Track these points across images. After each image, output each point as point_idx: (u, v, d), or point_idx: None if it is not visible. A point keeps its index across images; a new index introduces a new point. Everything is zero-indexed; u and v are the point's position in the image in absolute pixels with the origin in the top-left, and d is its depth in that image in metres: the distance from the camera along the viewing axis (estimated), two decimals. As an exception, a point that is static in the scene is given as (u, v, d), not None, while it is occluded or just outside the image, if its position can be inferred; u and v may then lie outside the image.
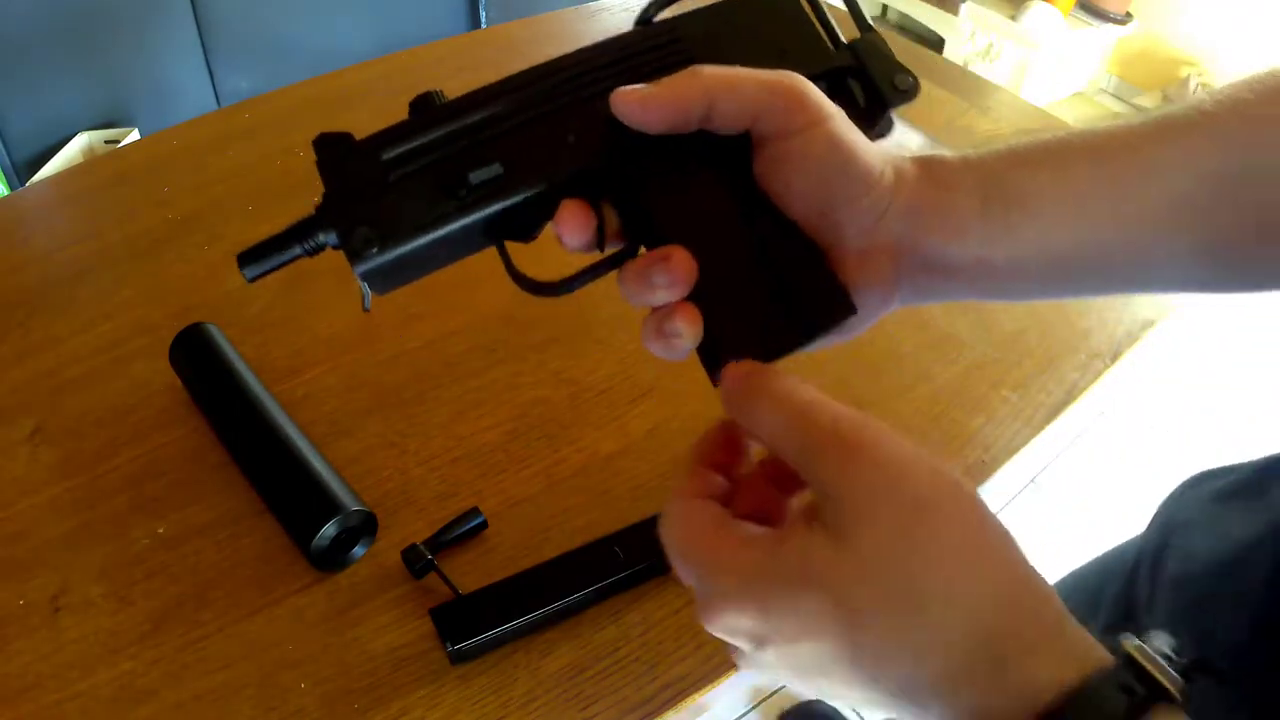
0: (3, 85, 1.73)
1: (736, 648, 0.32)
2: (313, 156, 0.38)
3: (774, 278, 0.36)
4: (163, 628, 0.56)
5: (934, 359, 0.74)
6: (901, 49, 1.20)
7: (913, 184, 0.37)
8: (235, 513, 0.62)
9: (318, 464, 0.61)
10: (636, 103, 0.34)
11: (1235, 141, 0.36)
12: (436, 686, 0.54)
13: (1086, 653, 0.28)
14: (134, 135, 1.88)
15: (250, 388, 0.66)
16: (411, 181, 0.37)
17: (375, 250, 0.36)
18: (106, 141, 1.86)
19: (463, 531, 0.59)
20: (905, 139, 0.98)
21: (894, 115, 0.39)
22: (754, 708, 1.46)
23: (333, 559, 0.59)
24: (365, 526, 0.60)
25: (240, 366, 0.67)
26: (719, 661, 0.55)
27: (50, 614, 0.57)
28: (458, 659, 0.54)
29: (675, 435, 0.68)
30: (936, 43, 3.00)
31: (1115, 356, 0.75)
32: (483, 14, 2.25)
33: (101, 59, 1.84)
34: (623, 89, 0.34)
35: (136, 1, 1.80)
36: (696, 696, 0.54)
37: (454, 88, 0.41)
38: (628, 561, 0.57)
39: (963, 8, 2.88)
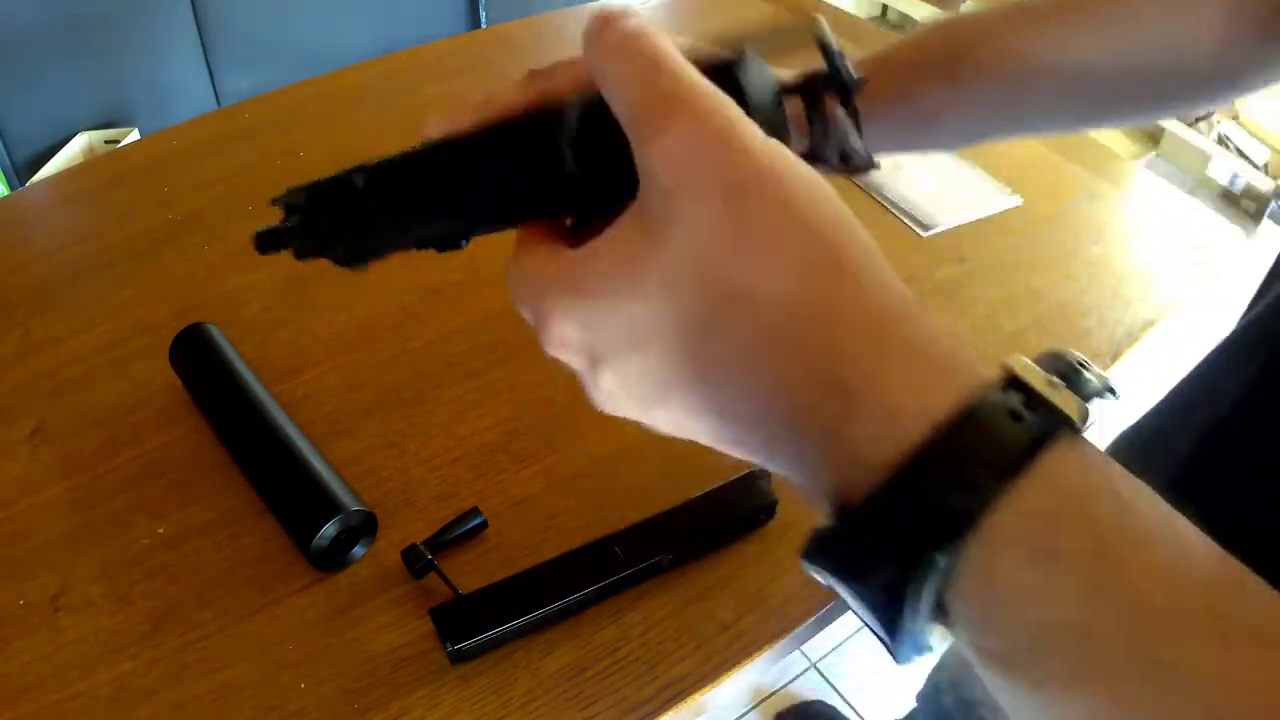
0: (3, 85, 1.73)
1: (584, 383, 0.27)
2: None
3: None
4: (163, 628, 0.56)
5: (934, 359, 0.74)
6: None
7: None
8: (235, 513, 0.62)
9: (318, 464, 0.61)
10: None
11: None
12: (436, 686, 0.54)
13: (958, 372, 0.22)
14: (134, 135, 1.88)
15: (250, 388, 0.66)
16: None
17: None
18: (106, 141, 1.86)
19: (463, 531, 0.59)
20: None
21: None
22: (754, 708, 1.46)
23: (333, 559, 0.59)
24: (365, 526, 0.60)
25: (240, 366, 0.67)
26: (719, 661, 0.55)
27: (50, 614, 0.57)
28: (458, 659, 0.54)
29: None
30: (936, 43, 2.99)
31: (1115, 356, 0.75)
32: (483, 14, 2.25)
33: (101, 59, 1.84)
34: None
35: (136, 1, 1.80)
36: (696, 696, 0.54)
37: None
38: (628, 561, 0.57)
39: (962, 8, 2.88)
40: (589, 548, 0.59)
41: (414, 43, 1.16)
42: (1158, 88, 0.47)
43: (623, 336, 0.24)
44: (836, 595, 0.24)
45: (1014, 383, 0.22)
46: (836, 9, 1.36)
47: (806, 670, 1.51)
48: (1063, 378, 0.23)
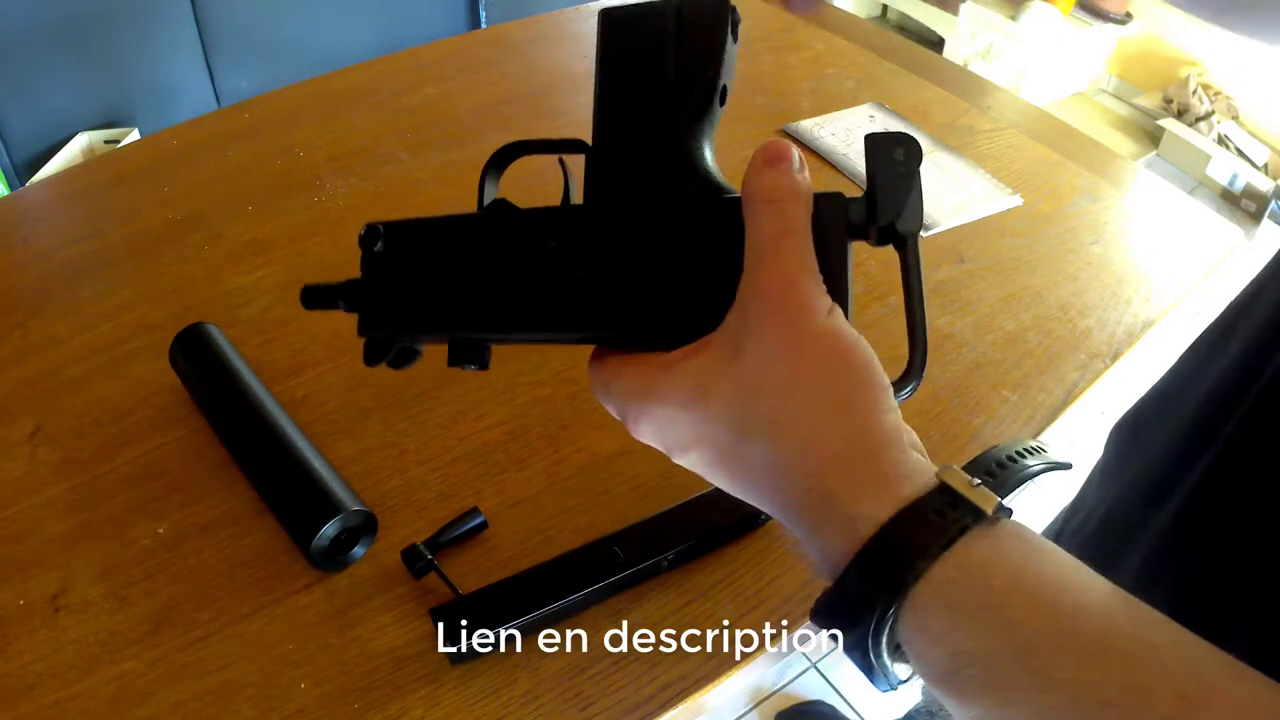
0: (3, 85, 1.73)
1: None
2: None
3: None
4: (163, 628, 0.56)
5: (934, 359, 0.74)
6: (902, 49, 1.21)
7: None
8: (235, 513, 0.62)
9: (318, 464, 0.61)
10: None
11: None
12: (436, 686, 0.54)
13: (908, 484, 0.31)
14: (134, 135, 1.88)
15: (250, 388, 0.66)
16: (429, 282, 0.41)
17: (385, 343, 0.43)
18: (106, 141, 1.87)
19: (463, 531, 0.59)
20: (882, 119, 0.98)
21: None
22: (753, 708, 1.46)
23: (333, 559, 0.59)
24: (365, 526, 0.60)
25: (240, 366, 0.67)
26: (719, 661, 0.55)
27: (50, 614, 0.57)
28: (458, 659, 0.54)
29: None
30: (936, 43, 3.00)
31: (1115, 356, 0.75)
32: (483, 14, 2.25)
33: (101, 59, 1.84)
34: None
35: (136, 1, 1.80)
36: (696, 696, 0.54)
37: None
38: (628, 561, 0.57)
39: (963, 8, 2.88)
40: (589, 548, 0.59)
41: (414, 43, 1.16)
42: None
43: (684, 438, 0.34)
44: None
45: (943, 488, 0.30)
46: (837, 9, 1.36)
47: (806, 670, 1.51)
48: (989, 474, 0.33)
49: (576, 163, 0.38)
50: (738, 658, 0.55)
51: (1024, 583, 0.29)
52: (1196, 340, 0.55)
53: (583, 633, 0.56)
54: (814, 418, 0.32)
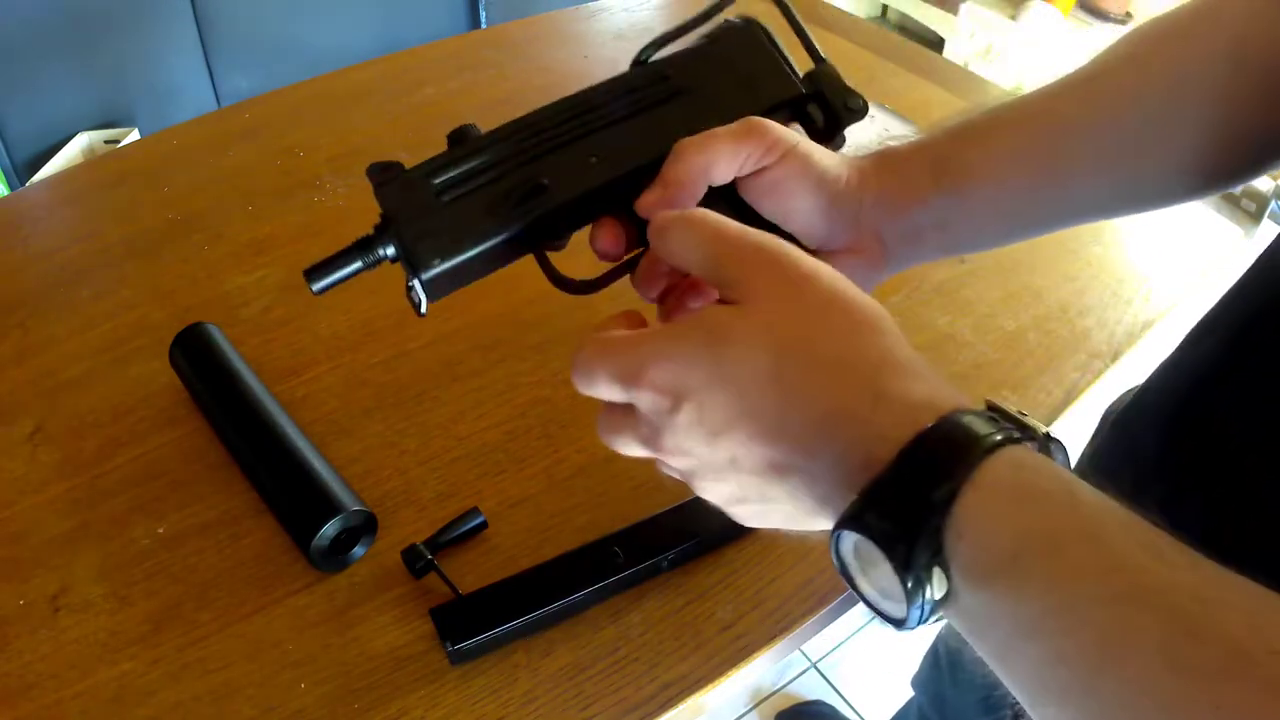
0: (3, 85, 1.73)
1: (658, 424, 0.35)
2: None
3: None
4: (163, 628, 0.56)
5: (934, 359, 0.74)
6: (902, 49, 1.21)
7: (874, 179, 0.45)
8: (235, 513, 0.62)
9: (318, 464, 0.61)
10: (655, 205, 0.41)
11: (1127, 88, 0.45)
12: (436, 686, 0.54)
13: (954, 395, 0.31)
14: (134, 135, 1.88)
15: (250, 388, 0.66)
16: (464, 201, 0.43)
17: (438, 261, 0.41)
18: (106, 141, 1.87)
19: (463, 531, 0.59)
20: (895, 130, 0.98)
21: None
22: (753, 708, 1.46)
23: (333, 559, 0.59)
24: (365, 526, 0.60)
25: (240, 366, 0.67)
26: (719, 661, 0.55)
27: (50, 614, 0.57)
28: (458, 659, 0.54)
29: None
30: (936, 43, 3.00)
31: (1115, 356, 0.75)
32: (483, 14, 2.25)
33: (101, 59, 1.84)
34: (646, 204, 0.42)
35: (136, 1, 1.80)
36: (696, 696, 0.54)
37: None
38: (628, 561, 0.57)
39: (963, 8, 2.88)
40: (589, 548, 0.59)
41: (414, 43, 1.16)
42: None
43: (707, 377, 0.32)
44: (842, 588, 0.34)
45: (991, 407, 0.31)
46: (836, 9, 1.36)
47: (806, 670, 1.51)
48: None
49: None
50: (738, 658, 0.55)
51: (1084, 486, 0.28)
52: (1184, 339, 0.56)
53: (583, 633, 0.56)
54: (847, 337, 0.32)
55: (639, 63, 0.47)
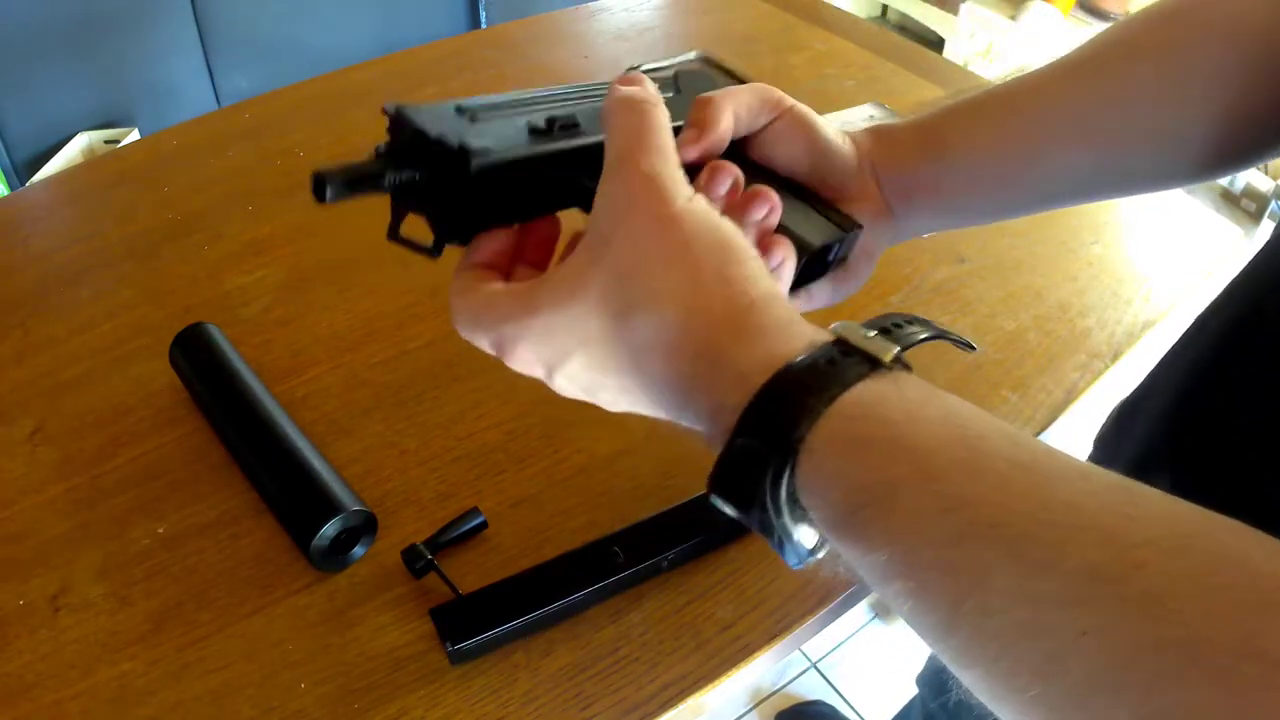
0: (3, 85, 1.73)
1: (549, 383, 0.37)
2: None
3: (800, 204, 0.46)
4: (163, 628, 0.56)
5: (934, 359, 0.74)
6: (902, 49, 1.21)
7: (869, 148, 0.48)
8: (235, 513, 0.62)
9: (318, 464, 0.61)
10: (694, 145, 0.42)
11: (1117, 67, 0.46)
12: (436, 686, 0.54)
13: (791, 340, 0.30)
14: (134, 135, 1.88)
15: (250, 388, 0.66)
16: (497, 123, 0.40)
17: (488, 151, 0.37)
18: (106, 141, 1.87)
19: (463, 531, 0.59)
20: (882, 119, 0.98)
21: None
22: (753, 708, 1.46)
23: (333, 559, 0.59)
24: (365, 526, 0.60)
25: (240, 366, 0.67)
26: (719, 661, 0.55)
27: (50, 614, 0.57)
28: (458, 659, 0.54)
29: (676, 434, 0.68)
30: (936, 43, 3.00)
31: (1115, 356, 0.75)
32: (483, 14, 2.25)
33: (101, 59, 1.84)
34: (681, 145, 0.41)
35: (136, 1, 1.80)
36: (696, 696, 0.54)
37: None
38: (628, 561, 0.57)
39: (963, 8, 2.88)
40: (589, 548, 0.59)
41: (414, 43, 1.16)
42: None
43: (565, 344, 0.34)
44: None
45: (837, 340, 0.30)
46: (836, 9, 1.36)
47: (806, 670, 1.51)
48: (885, 331, 0.32)
49: None
50: (738, 658, 0.55)
51: (925, 416, 0.27)
52: (1184, 332, 0.56)
53: (583, 633, 0.56)
54: (693, 286, 0.32)
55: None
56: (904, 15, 3.13)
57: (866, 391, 0.28)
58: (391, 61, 1.13)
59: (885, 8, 3.23)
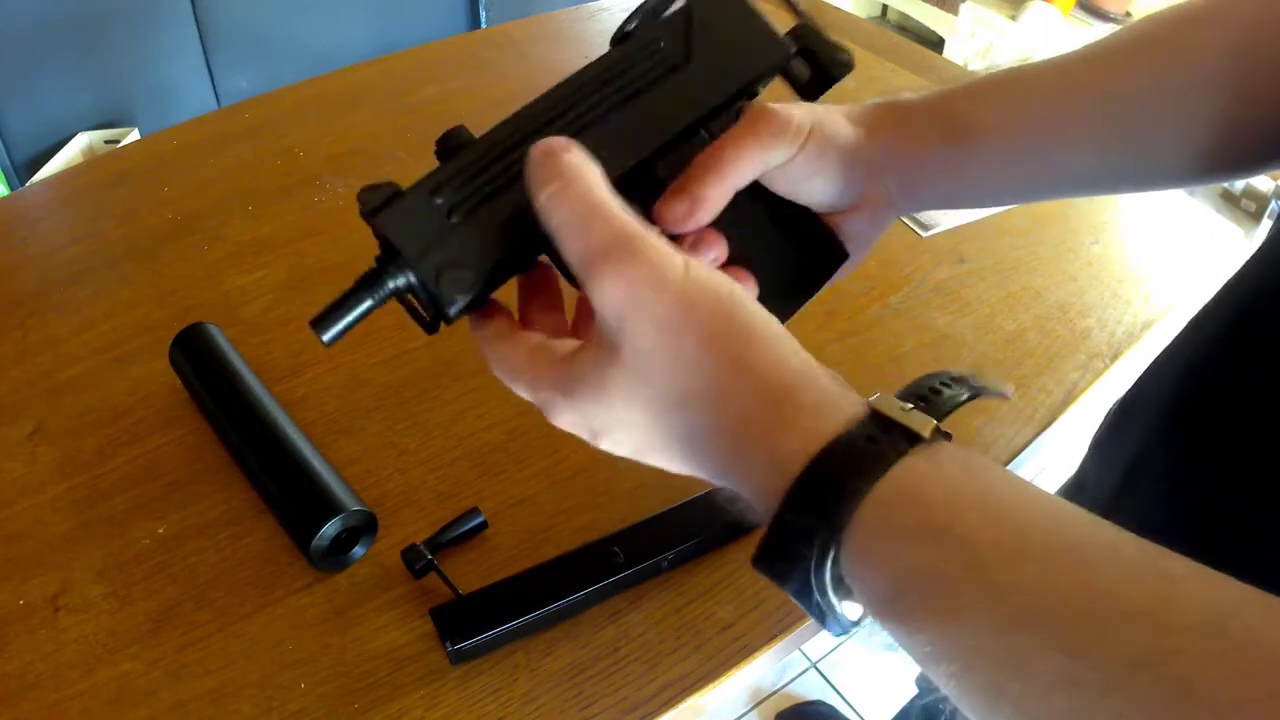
0: (3, 85, 1.73)
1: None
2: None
3: (783, 238, 0.44)
4: (163, 628, 0.56)
5: (934, 359, 0.74)
6: (901, 49, 1.21)
7: (880, 131, 0.45)
8: (235, 513, 0.62)
9: (318, 464, 0.61)
10: (682, 221, 0.40)
11: (1139, 62, 0.45)
12: (436, 686, 0.54)
13: (829, 419, 0.30)
14: (134, 135, 1.88)
15: (250, 388, 0.66)
16: (477, 216, 0.39)
17: (461, 296, 0.39)
18: (106, 141, 1.86)
19: (463, 531, 0.59)
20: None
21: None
22: (753, 708, 1.46)
23: (333, 559, 0.59)
24: (365, 526, 0.60)
25: (240, 366, 0.67)
26: (719, 661, 0.55)
27: (50, 614, 0.57)
28: (458, 659, 0.54)
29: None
30: (936, 43, 3.00)
31: (1115, 356, 0.75)
32: (483, 14, 2.25)
33: (101, 59, 1.84)
34: (675, 217, 0.40)
35: (136, 1, 1.80)
36: (696, 696, 0.54)
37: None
38: (628, 561, 0.57)
39: (963, 8, 2.88)
40: (589, 548, 0.59)
41: (414, 43, 1.16)
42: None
43: (607, 420, 0.34)
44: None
45: (874, 414, 0.30)
46: (836, 9, 1.36)
47: (806, 670, 1.51)
48: (923, 399, 0.31)
49: None
50: (738, 658, 0.55)
51: (967, 498, 0.27)
52: (1185, 325, 0.56)
53: (583, 633, 0.56)
54: (716, 385, 0.31)
55: (620, 39, 0.45)
56: (904, 15, 3.13)
57: (907, 474, 0.28)
58: (391, 61, 1.13)
59: (885, 8, 3.23)
